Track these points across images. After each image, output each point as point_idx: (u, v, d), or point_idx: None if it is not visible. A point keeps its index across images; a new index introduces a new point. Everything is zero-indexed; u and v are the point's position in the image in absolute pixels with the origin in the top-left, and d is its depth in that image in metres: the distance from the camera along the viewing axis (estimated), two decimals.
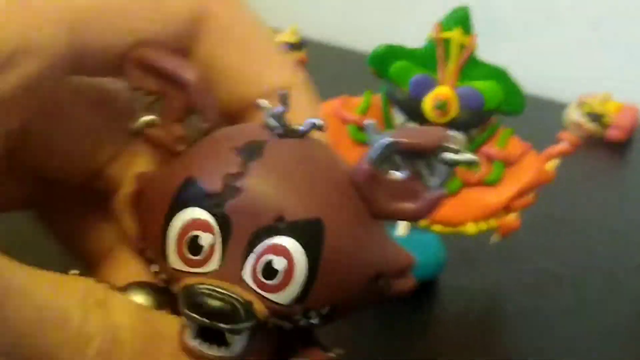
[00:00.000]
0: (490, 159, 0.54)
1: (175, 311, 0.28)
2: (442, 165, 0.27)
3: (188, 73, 0.29)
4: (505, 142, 0.54)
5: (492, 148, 0.54)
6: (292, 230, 0.26)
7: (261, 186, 0.27)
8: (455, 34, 0.52)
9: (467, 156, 0.27)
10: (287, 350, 0.29)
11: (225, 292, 0.26)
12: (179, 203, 0.27)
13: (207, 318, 0.26)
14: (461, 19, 0.52)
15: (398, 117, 0.53)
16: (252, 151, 0.27)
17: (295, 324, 0.27)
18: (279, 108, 0.28)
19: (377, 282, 0.28)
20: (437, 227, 0.53)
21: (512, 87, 0.53)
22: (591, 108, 0.52)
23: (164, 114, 0.30)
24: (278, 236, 0.26)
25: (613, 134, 0.83)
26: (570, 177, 0.72)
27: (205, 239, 0.27)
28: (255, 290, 0.27)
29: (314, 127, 0.28)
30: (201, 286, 0.26)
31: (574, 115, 0.52)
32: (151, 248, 0.28)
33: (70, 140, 0.32)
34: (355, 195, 0.28)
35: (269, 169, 0.27)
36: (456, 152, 0.27)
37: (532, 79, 0.92)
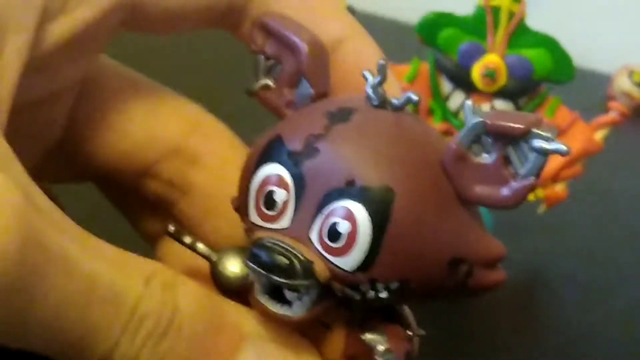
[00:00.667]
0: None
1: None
2: (532, 152, 0.26)
3: (302, 39, 0.30)
4: (554, 112, 0.53)
5: (541, 116, 0.53)
6: (361, 195, 0.26)
7: (338, 149, 0.27)
8: (504, 1, 0.51)
9: (559, 145, 0.26)
10: (368, 325, 0.29)
11: (287, 247, 0.27)
12: (264, 159, 0.28)
13: (265, 271, 0.26)
14: None
15: (446, 86, 0.53)
16: (340, 116, 0.28)
17: (363, 296, 0.27)
18: (376, 78, 0.28)
19: (457, 267, 0.28)
20: None
21: (562, 56, 0.52)
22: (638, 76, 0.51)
23: (278, 79, 0.31)
24: (346, 199, 0.26)
25: None
26: (619, 149, 0.72)
27: (279, 195, 0.27)
28: (319, 251, 0.27)
29: (410, 101, 0.28)
30: (267, 240, 0.27)
31: (623, 84, 0.52)
32: (242, 204, 0.29)
33: (119, 133, 0.33)
34: (442, 175, 0.27)
35: (351, 134, 0.27)
36: (547, 140, 0.26)
37: (577, 48, 0.91)
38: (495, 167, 0.27)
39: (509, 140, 0.27)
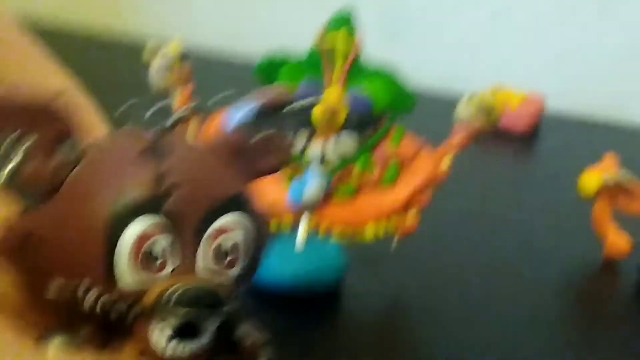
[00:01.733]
0: (385, 159, 0.53)
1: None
2: (296, 117, 0.32)
3: (51, 104, 0.28)
4: (399, 142, 0.53)
5: (386, 148, 0.53)
6: (229, 207, 0.28)
7: (186, 178, 0.28)
8: (339, 40, 0.52)
9: (311, 100, 0.31)
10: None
11: (198, 284, 0.27)
12: (118, 225, 0.27)
13: (192, 311, 0.27)
14: (344, 23, 0.52)
15: (293, 128, 0.53)
16: (156, 152, 0.28)
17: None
18: (155, 107, 0.30)
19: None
20: (336, 233, 0.53)
21: (400, 88, 0.53)
22: (481, 102, 0.52)
23: (32, 152, 0.28)
24: (222, 216, 0.28)
25: (517, 125, 0.84)
26: (477, 171, 0.73)
27: (161, 242, 0.27)
28: (217, 272, 0.28)
29: (180, 120, 0.31)
30: (175, 286, 0.27)
31: (465, 110, 0.52)
32: (96, 277, 0.27)
33: None
34: (234, 161, 0.30)
35: (183, 161, 0.29)
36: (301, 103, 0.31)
37: (431, 75, 0.93)
38: (267, 139, 0.31)
39: (275, 114, 0.32)
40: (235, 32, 1.04)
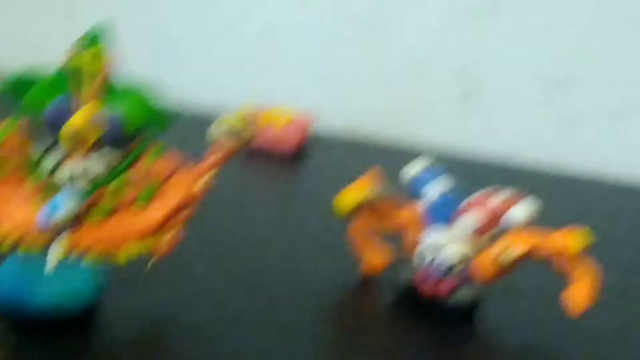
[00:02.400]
0: (140, 179, 0.53)
1: None
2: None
3: None
4: (154, 161, 0.53)
5: (141, 168, 0.53)
6: None
7: None
8: (88, 57, 0.51)
9: None
10: None
11: None
12: None
13: None
14: (95, 41, 0.51)
15: (40, 145, 0.52)
16: None
17: None
18: None
19: None
20: (90, 255, 0.52)
21: (154, 106, 0.52)
22: (231, 124, 0.52)
23: None
24: None
25: (283, 145, 0.85)
26: (240, 191, 0.73)
27: None
28: None
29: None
30: None
31: (217, 131, 0.52)
32: None
33: None
34: None
35: None
36: None
37: (201, 93, 0.93)
38: None
39: None
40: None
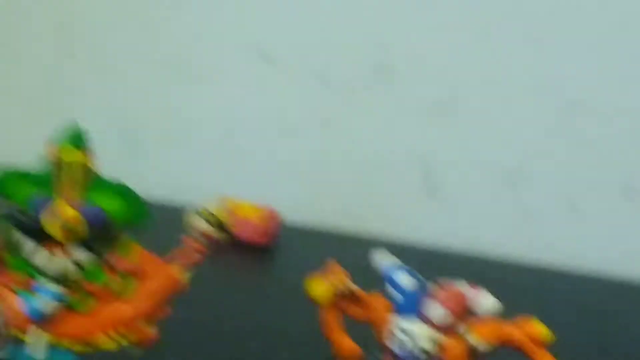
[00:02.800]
0: (120, 271, 0.54)
1: None
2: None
3: None
4: (130, 254, 0.54)
5: (119, 260, 0.54)
6: None
7: None
8: (70, 157, 0.52)
9: None
10: None
11: None
12: None
13: None
14: (76, 139, 0.53)
15: (27, 241, 0.53)
16: None
17: None
18: None
19: None
20: (72, 344, 0.53)
21: (135, 202, 0.54)
22: (209, 214, 0.54)
23: None
24: None
25: (254, 236, 0.87)
26: (214, 281, 0.74)
27: None
28: None
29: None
30: None
31: (194, 221, 0.54)
32: None
33: None
34: None
35: None
36: None
37: (169, 187, 0.95)
38: None
39: None
40: None
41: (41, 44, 1.06)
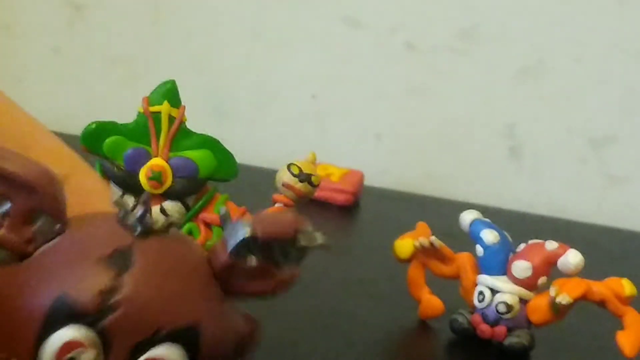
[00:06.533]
0: (208, 225, 0.56)
1: None
2: (295, 250, 0.29)
3: (33, 175, 0.28)
4: (220, 207, 0.55)
5: (209, 214, 0.55)
6: (170, 338, 0.27)
7: (136, 300, 0.27)
8: (163, 107, 0.54)
9: (320, 242, 0.29)
10: None
11: None
12: (54, 322, 0.26)
13: None
14: (168, 93, 0.54)
15: (115, 192, 0.54)
16: (121, 261, 0.27)
17: None
18: (140, 209, 0.29)
19: (236, 350, 0.30)
20: None
21: (224, 155, 0.55)
22: (299, 169, 0.55)
23: (9, 217, 0.29)
24: (157, 347, 0.27)
25: (338, 197, 0.88)
26: None
27: (86, 356, 0.26)
28: None
29: (171, 224, 0.29)
30: None
31: (283, 177, 0.55)
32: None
33: None
34: (214, 281, 0.29)
35: (142, 280, 0.27)
36: (310, 239, 0.29)
37: (255, 151, 0.96)
38: (262, 266, 0.29)
39: (274, 243, 0.29)
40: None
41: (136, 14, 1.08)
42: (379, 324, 0.63)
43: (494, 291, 0.59)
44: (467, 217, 0.62)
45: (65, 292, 0.27)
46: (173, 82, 0.54)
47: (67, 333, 0.26)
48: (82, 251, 0.28)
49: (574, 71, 0.97)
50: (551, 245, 0.58)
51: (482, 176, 1.01)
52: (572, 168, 0.99)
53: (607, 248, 0.85)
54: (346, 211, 0.88)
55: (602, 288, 0.56)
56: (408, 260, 0.63)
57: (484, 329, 0.59)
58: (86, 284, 0.27)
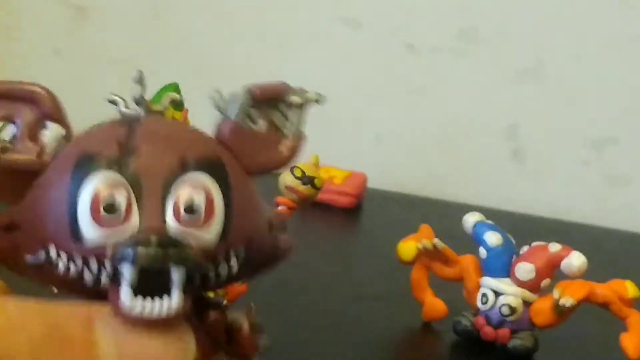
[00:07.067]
0: None
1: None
2: (292, 109, 0.31)
3: (29, 87, 0.30)
4: None
5: None
6: (200, 165, 0.28)
7: (155, 138, 0.28)
8: (166, 111, 0.53)
9: (311, 94, 0.32)
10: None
11: (159, 237, 0.26)
12: (82, 176, 0.27)
13: (149, 265, 0.26)
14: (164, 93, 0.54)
15: None
16: (131, 122, 0.29)
17: (216, 271, 0.28)
18: (137, 91, 0.30)
19: (271, 231, 0.31)
20: None
21: None
22: (302, 171, 0.55)
23: (15, 137, 0.30)
24: (188, 173, 0.27)
25: (343, 200, 0.88)
26: (303, 243, 0.75)
27: (119, 196, 0.27)
28: (183, 231, 0.27)
29: (172, 102, 0.32)
30: (133, 237, 0.26)
31: (286, 179, 0.55)
32: (55, 231, 0.28)
33: None
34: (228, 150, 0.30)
35: (154, 128, 0.29)
36: (302, 95, 0.32)
37: None
38: (267, 134, 0.31)
39: (271, 103, 0.31)
40: None
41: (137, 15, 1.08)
42: (382, 326, 0.63)
43: (497, 293, 0.59)
44: (470, 220, 0.62)
45: (85, 150, 0.28)
46: (176, 85, 0.54)
47: (96, 178, 0.27)
48: (94, 131, 0.30)
49: (575, 72, 0.97)
50: (554, 247, 0.58)
51: (483, 178, 1.02)
52: (574, 169, 0.99)
53: (610, 250, 0.85)
54: (349, 214, 0.88)
55: (606, 290, 0.56)
56: (411, 263, 0.63)
57: (488, 331, 0.60)
58: (104, 139, 0.28)
